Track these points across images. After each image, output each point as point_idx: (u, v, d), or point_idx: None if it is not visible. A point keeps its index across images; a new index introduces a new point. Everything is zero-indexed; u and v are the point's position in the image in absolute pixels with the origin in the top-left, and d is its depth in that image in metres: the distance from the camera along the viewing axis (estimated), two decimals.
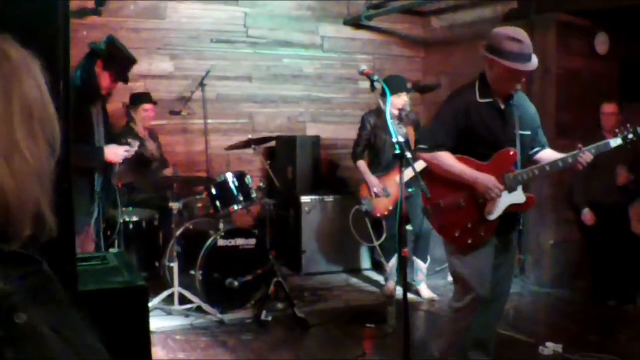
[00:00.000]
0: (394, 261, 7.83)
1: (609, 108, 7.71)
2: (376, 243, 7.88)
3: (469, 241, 4.65)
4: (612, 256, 7.64)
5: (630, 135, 4.64)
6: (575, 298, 7.99)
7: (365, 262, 9.18)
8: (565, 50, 8.35)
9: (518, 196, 4.66)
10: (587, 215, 7.86)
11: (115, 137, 6.16)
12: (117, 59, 5.33)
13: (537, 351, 6.05)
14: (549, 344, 6.08)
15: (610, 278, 7.73)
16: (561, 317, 7.40)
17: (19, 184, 1.19)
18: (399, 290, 7.79)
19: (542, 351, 6.04)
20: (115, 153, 5.32)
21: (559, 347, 6.04)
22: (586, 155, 4.54)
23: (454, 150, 4.61)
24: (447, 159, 4.59)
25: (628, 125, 4.70)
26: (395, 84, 7.49)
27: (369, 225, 7.93)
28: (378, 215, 7.70)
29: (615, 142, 4.67)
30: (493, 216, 4.61)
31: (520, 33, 4.43)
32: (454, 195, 4.67)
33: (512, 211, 4.69)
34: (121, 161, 5.40)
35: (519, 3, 8.59)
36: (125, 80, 5.56)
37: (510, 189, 4.60)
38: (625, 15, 7.89)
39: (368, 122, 7.78)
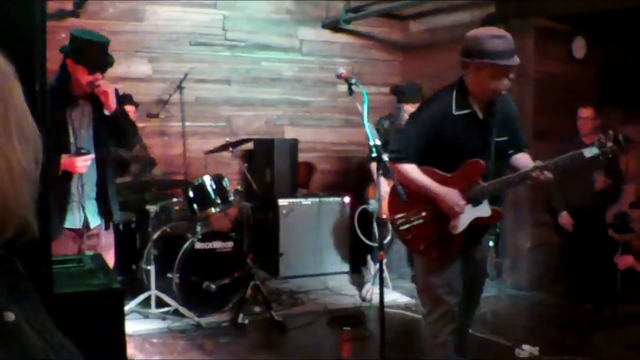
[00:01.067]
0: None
1: (585, 112, 7.75)
2: (376, 243, 7.86)
3: (435, 254, 4.56)
4: (590, 260, 7.67)
5: (609, 144, 4.30)
6: (553, 301, 8.03)
7: (343, 266, 9.17)
8: (543, 54, 8.40)
9: (483, 210, 4.51)
10: (564, 218, 7.88)
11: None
12: (83, 49, 5.11)
13: (514, 354, 6.08)
14: (525, 346, 6.11)
15: (587, 281, 7.77)
16: (538, 320, 7.44)
17: (17, 190, 1.20)
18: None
19: (518, 354, 6.07)
20: (71, 163, 5.05)
21: (535, 350, 6.07)
22: (547, 173, 4.31)
23: (422, 161, 4.48)
24: (411, 172, 4.45)
25: (610, 132, 4.45)
26: (412, 93, 7.60)
27: (375, 226, 7.95)
28: (384, 216, 7.71)
29: (591, 152, 4.33)
30: (457, 230, 4.48)
31: (500, 30, 4.32)
32: (419, 208, 4.55)
33: (478, 224, 4.55)
34: (83, 171, 5.13)
35: (497, 7, 8.62)
36: (101, 67, 5.05)
37: (476, 202, 4.47)
38: (602, 20, 7.95)
39: (381, 127, 7.79)
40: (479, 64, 4.28)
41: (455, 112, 4.42)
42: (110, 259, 5.36)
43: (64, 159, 4.94)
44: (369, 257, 8.14)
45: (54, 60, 8.09)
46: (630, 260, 6.97)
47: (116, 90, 5.14)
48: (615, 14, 7.55)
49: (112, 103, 5.01)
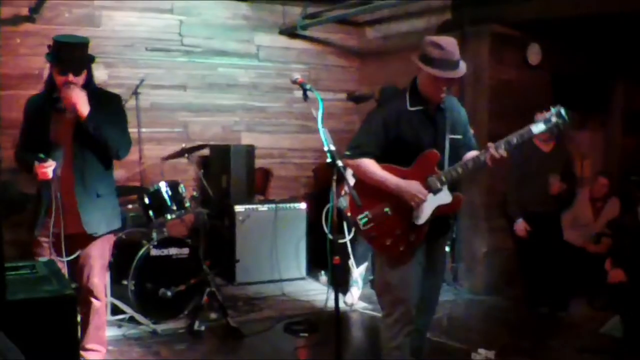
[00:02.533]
0: (362, 269, 7.89)
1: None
2: (348, 238, 7.85)
3: (401, 248, 4.59)
4: (545, 264, 7.74)
5: (554, 119, 4.58)
6: (509, 305, 8.11)
7: (300, 272, 9.17)
8: (498, 61, 8.48)
9: (444, 197, 4.60)
10: (519, 225, 7.86)
11: None
12: (54, 50, 5.06)
13: (470, 358, 6.11)
14: (481, 350, 6.14)
15: (542, 285, 7.84)
16: (494, 324, 7.49)
17: None
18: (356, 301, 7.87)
19: (474, 357, 6.10)
20: (36, 169, 5.00)
21: (491, 354, 6.11)
22: (500, 151, 4.42)
23: (381, 159, 4.57)
24: (370, 167, 4.56)
25: (552, 107, 4.63)
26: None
27: (345, 222, 7.91)
28: (349, 214, 7.70)
29: (538, 127, 4.59)
30: (421, 220, 4.56)
31: (444, 40, 4.40)
32: (380, 204, 4.61)
33: (441, 213, 4.63)
34: (44, 177, 5.04)
35: (453, 14, 8.68)
36: (72, 66, 4.95)
37: (436, 190, 4.55)
38: (556, 27, 8.05)
39: None
40: (418, 67, 4.47)
41: (410, 108, 4.57)
42: (92, 271, 5.19)
43: (35, 165, 4.91)
44: (350, 262, 8.06)
45: (9, 66, 8.06)
46: (620, 275, 6.86)
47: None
48: (570, 21, 7.64)
49: (81, 111, 4.93)
